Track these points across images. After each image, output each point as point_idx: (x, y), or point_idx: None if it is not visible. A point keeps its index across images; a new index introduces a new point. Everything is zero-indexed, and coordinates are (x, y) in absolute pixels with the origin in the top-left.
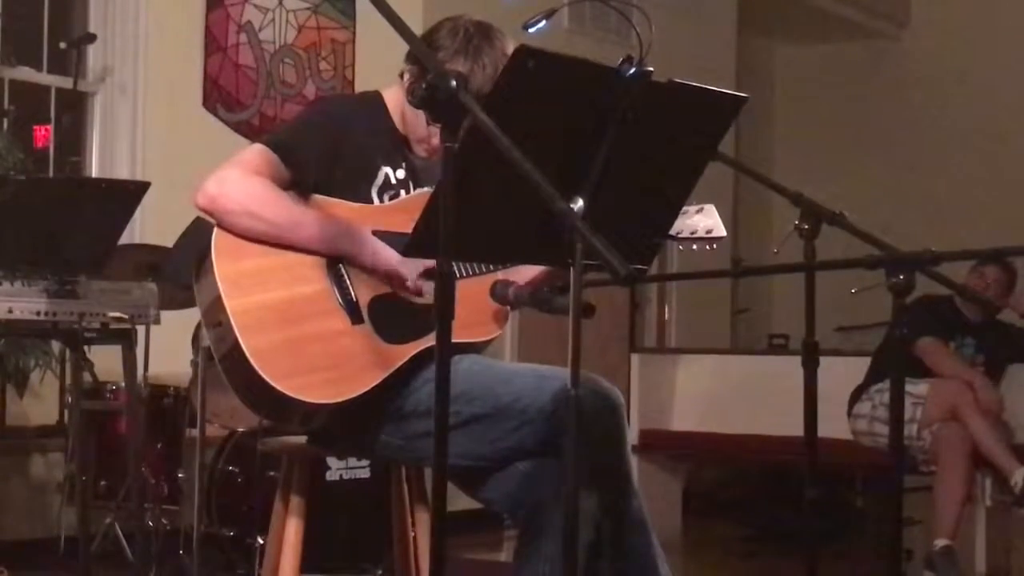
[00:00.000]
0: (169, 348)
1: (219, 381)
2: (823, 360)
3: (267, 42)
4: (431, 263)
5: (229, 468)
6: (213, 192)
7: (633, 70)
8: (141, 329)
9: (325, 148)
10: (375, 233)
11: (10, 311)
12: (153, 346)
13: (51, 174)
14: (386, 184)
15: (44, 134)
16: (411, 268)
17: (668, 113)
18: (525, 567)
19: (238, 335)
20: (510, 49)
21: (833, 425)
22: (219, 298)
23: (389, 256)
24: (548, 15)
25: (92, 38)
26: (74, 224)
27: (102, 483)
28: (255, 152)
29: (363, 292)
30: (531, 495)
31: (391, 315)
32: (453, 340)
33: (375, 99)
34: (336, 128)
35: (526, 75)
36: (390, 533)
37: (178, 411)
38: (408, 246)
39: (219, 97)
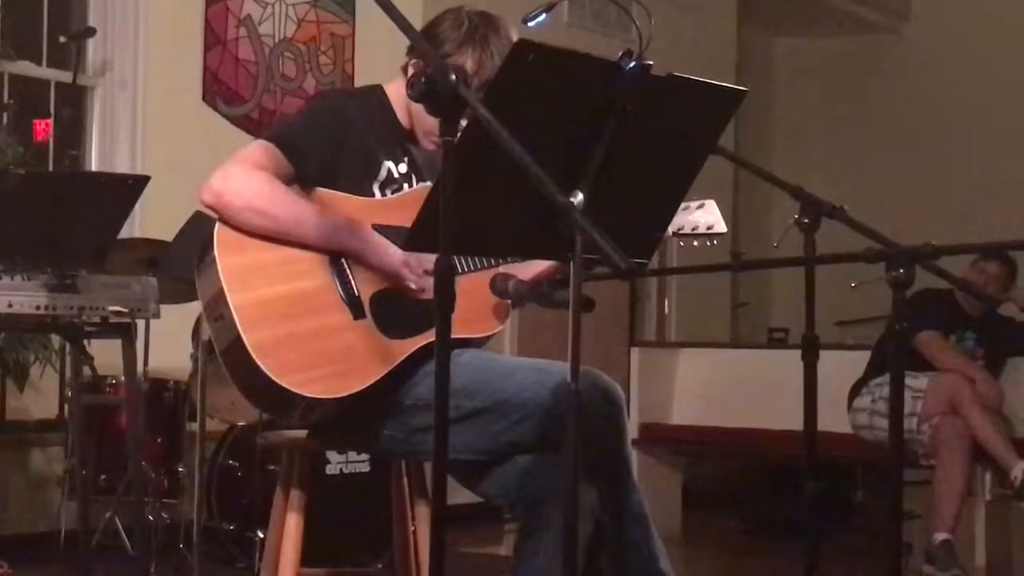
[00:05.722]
0: (169, 342)
1: (219, 375)
2: (823, 354)
3: (267, 36)
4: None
5: (229, 462)
6: (218, 188)
7: (633, 64)
8: (141, 323)
9: (327, 142)
10: (376, 227)
11: (10, 305)
12: (153, 340)
13: (51, 168)
14: (388, 178)
15: (44, 128)
16: (414, 268)
17: (668, 107)
18: (525, 561)
19: (240, 329)
20: (515, 37)
21: (833, 419)
22: (222, 292)
23: (392, 256)
24: (548, 9)
25: (92, 32)
26: (74, 218)
27: (102, 477)
28: (258, 148)
29: (365, 287)
30: (531, 489)
31: (393, 310)
32: (454, 335)
33: (377, 93)
34: (338, 122)
35: (526, 69)
36: (390, 527)
37: (178, 405)
38: (408, 240)
39: (219, 91)
